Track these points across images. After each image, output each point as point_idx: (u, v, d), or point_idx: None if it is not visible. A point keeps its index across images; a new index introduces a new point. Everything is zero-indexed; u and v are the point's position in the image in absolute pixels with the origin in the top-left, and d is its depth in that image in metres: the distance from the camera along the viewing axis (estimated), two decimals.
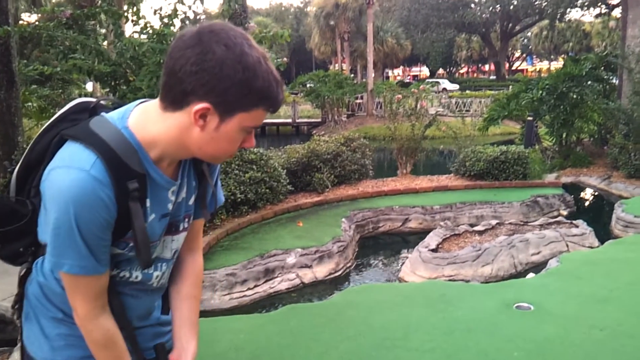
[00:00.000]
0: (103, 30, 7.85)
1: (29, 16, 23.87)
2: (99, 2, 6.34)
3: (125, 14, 6.47)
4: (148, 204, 1.26)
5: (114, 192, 1.16)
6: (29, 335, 1.40)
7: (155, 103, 1.24)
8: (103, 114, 1.27)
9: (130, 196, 1.19)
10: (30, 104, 10.08)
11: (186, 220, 1.42)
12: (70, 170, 1.14)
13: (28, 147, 1.31)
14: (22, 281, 1.40)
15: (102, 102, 1.34)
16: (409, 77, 66.62)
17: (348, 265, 6.55)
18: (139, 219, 1.21)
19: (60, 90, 11.95)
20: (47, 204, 1.18)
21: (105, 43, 7.45)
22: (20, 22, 11.60)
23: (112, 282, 1.31)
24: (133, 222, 1.20)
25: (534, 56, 68.57)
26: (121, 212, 1.19)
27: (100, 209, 1.15)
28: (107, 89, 6.85)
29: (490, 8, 43.54)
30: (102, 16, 6.45)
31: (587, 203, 11.05)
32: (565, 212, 8.75)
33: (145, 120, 1.23)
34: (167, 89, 1.18)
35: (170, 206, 1.33)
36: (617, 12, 31.62)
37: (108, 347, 1.30)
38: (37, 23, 6.96)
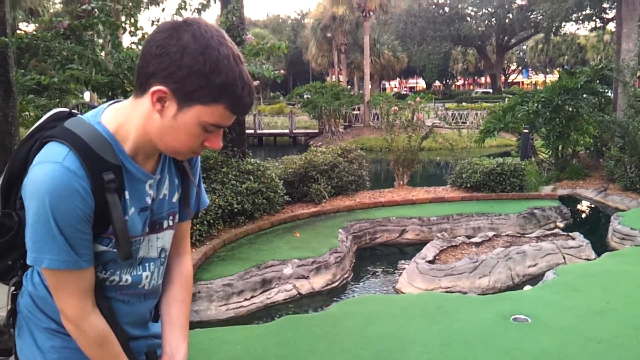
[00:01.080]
0: (100, 41, 7.85)
1: (27, 26, 23.96)
2: (97, 13, 6.34)
3: (123, 24, 6.48)
4: (127, 196, 1.25)
5: (89, 183, 1.16)
6: (22, 348, 1.38)
7: (129, 99, 1.26)
8: (78, 115, 1.29)
9: (107, 188, 1.18)
10: (27, 113, 10.08)
11: (170, 218, 1.41)
12: (44, 165, 1.15)
13: (9, 159, 1.31)
14: (14, 296, 1.39)
15: (74, 110, 1.35)
16: (405, 89, 66.87)
17: (345, 276, 6.54)
18: (117, 210, 1.20)
19: (57, 100, 11.94)
20: (26, 202, 1.17)
21: (102, 53, 7.46)
22: (18, 32, 11.64)
23: (102, 287, 1.30)
24: (111, 213, 1.20)
25: (530, 69, 68.95)
26: (99, 205, 1.18)
27: (75, 199, 1.14)
28: (105, 99, 6.86)
29: (486, 21, 43.83)
30: (100, 27, 6.46)
31: (583, 215, 11.08)
32: (561, 224, 8.77)
33: (119, 115, 1.25)
34: (137, 73, 1.20)
35: (148, 200, 1.32)
36: (611, 26, 31.91)
37: (104, 345, 1.28)
38: (34, 33, 6.95)
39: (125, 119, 1.23)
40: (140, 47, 6.53)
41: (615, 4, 18.43)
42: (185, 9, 6.50)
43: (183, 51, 1.12)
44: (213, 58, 1.13)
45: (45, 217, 1.13)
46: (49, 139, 1.20)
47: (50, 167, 1.14)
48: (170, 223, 1.42)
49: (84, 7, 6.72)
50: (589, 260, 6.59)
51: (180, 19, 1.22)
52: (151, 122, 1.20)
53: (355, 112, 29.85)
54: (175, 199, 1.41)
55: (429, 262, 6.25)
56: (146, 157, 1.28)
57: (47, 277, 1.23)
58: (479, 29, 43.89)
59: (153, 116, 1.19)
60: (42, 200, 1.13)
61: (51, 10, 25.93)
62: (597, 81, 13.26)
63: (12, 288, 1.39)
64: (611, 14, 30.39)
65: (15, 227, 1.28)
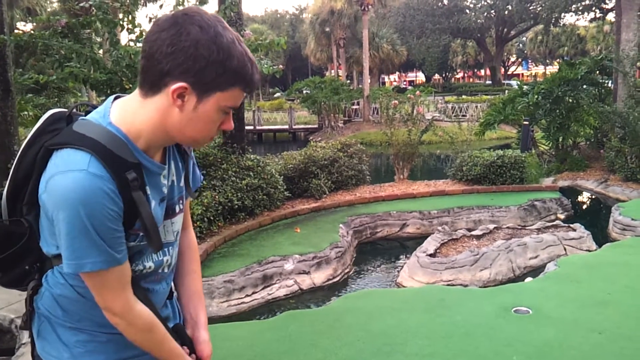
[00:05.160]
0: (99, 39, 7.84)
1: (25, 25, 23.92)
2: (94, 11, 6.33)
3: (121, 22, 6.47)
4: (148, 191, 1.28)
5: (115, 185, 1.18)
6: (44, 346, 1.38)
7: (133, 95, 1.26)
8: (82, 117, 1.28)
9: (131, 186, 1.21)
10: (26, 112, 10.08)
11: (180, 202, 1.45)
12: (69, 174, 1.15)
13: (12, 167, 1.30)
14: (31, 299, 1.39)
15: (74, 110, 1.35)
16: (405, 82, 66.75)
17: (346, 271, 6.54)
18: (145, 206, 1.23)
19: (56, 99, 11.94)
20: (54, 213, 1.17)
21: (100, 51, 7.45)
22: (16, 31, 11.62)
23: (133, 278, 1.32)
24: (140, 210, 1.22)
25: (530, 61, 68.77)
26: (126, 204, 1.21)
27: (107, 202, 1.16)
28: (104, 97, 6.84)
29: (485, 13, 43.67)
30: (98, 25, 6.45)
31: (584, 206, 11.07)
32: (562, 216, 8.77)
33: (127, 113, 1.26)
34: (145, 73, 1.20)
35: (165, 190, 1.36)
36: (611, 17, 31.81)
37: (153, 330, 1.32)
38: (32, 32, 6.95)
39: (135, 118, 1.24)
40: (138, 45, 6.53)
41: None
42: (183, 6, 6.48)
43: (196, 44, 1.15)
44: (224, 45, 1.17)
45: (81, 226, 1.14)
46: (61, 146, 1.20)
47: (76, 175, 1.14)
48: (181, 207, 1.46)
49: (81, 4, 6.69)
50: (590, 251, 6.59)
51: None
52: (169, 117, 1.22)
53: (354, 107, 29.79)
54: (182, 183, 1.45)
55: (430, 255, 6.25)
56: (156, 150, 1.31)
57: (90, 282, 1.24)
58: (478, 21, 43.71)
59: (172, 112, 1.21)
60: (76, 211, 1.13)
61: (49, 9, 25.87)
62: (597, 72, 13.23)
63: (31, 292, 1.38)
64: (610, 4, 30.29)
65: (27, 232, 1.29)
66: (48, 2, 27.23)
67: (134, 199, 1.21)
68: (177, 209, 1.44)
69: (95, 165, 1.16)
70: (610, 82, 13.52)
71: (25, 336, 3.91)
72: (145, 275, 1.36)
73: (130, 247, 1.28)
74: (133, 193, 1.21)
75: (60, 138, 1.21)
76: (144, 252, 1.33)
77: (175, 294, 1.57)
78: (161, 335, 1.34)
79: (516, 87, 14.16)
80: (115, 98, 1.31)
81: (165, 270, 1.43)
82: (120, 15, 6.53)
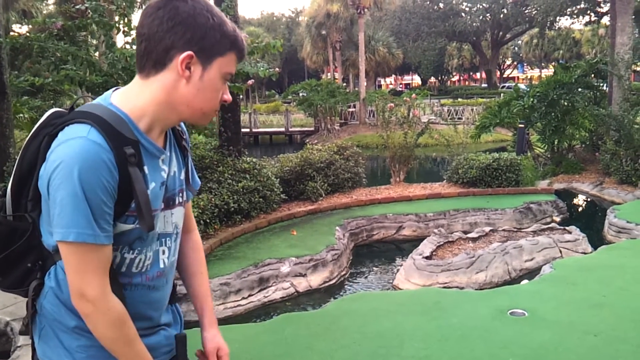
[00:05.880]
0: (94, 42, 7.84)
1: (20, 27, 23.87)
2: (90, 13, 6.32)
3: (117, 25, 6.47)
4: (146, 171, 1.29)
5: (113, 156, 1.19)
6: (45, 351, 1.36)
7: (132, 83, 1.31)
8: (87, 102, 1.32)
9: (129, 161, 1.22)
10: (21, 115, 10.04)
11: (180, 194, 1.45)
12: (69, 142, 1.17)
13: (17, 162, 1.31)
14: (33, 302, 1.36)
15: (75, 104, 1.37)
16: (401, 85, 66.86)
17: (342, 273, 6.54)
18: (140, 182, 1.24)
19: (51, 101, 11.91)
20: (49, 179, 1.18)
21: (96, 54, 7.44)
22: (12, 33, 11.60)
23: (129, 274, 1.32)
24: (134, 185, 1.22)
25: (525, 64, 68.97)
26: (122, 179, 1.21)
27: (103, 170, 1.17)
28: None
29: (481, 17, 43.76)
30: (94, 27, 6.44)
31: (579, 209, 11.10)
32: (558, 219, 8.79)
33: (129, 96, 1.30)
34: (147, 54, 1.25)
35: (164, 175, 1.36)
36: (606, 20, 31.92)
37: (125, 325, 1.28)
38: (28, 34, 6.94)
39: (138, 99, 1.28)
40: (134, 47, 6.52)
41: None
42: None
43: (193, 14, 1.23)
44: (216, 12, 1.27)
45: (73, 189, 1.15)
46: (64, 124, 1.22)
47: (76, 141, 1.16)
48: (181, 200, 1.46)
49: (77, 7, 6.68)
50: (585, 253, 6.61)
51: None
52: (177, 92, 1.26)
53: (350, 110, 29.77)
54: (182, 176, 1.46)
55: (426, 258, 6.26)
56: (159, 134, 1.33)
57: (69, 257, 1.22)
58: (474, 24, 43.78)
59: (178, 85, 1.26)
60: (72, 172, 1.14)
61: (44, 12, 25.81)
62: (592, 75, 13.30)
63: (32, 294, 1.36)
64: (605, 7, 30.38)
65: (30, 228, 1.29)
66: (44, 4, 27.17)
67: (129, 174, 1.22)
68: (177, 201, 1.44)
69: (95, 135, 1.18)
70: (605, 85, 13.58)
71: (20, 339, 3.90)
72: (147, 270, 1.35)
73: (128, 230, 1.27)
74: (130, 168, 1.22)
75: (64, 119, 1.25)
76: (144, 239, 1.32)
77: (177, 298, 1.57)
78: (131, 334, 1.29)
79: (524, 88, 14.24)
80: (115, 90, 1.34)
81: (166, 264, 1.42)
82: (116, 18, 6.52)
